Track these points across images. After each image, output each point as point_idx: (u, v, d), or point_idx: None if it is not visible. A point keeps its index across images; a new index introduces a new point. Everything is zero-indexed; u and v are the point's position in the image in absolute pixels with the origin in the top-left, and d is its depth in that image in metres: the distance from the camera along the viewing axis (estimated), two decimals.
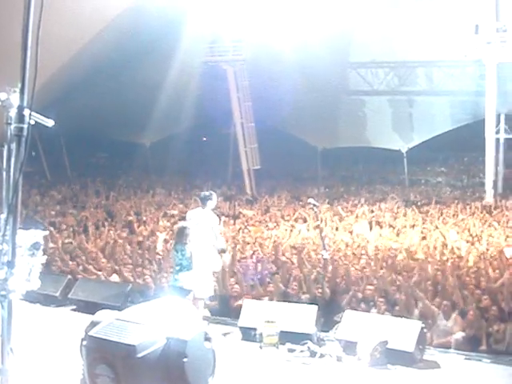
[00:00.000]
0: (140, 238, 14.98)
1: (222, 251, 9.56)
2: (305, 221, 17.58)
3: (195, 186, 23.24)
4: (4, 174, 3.11)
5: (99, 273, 12.21)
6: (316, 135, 24.54)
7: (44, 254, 3.11)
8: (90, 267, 12.49)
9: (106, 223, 17.13)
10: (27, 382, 3.17)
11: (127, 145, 24.57)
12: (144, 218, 17.53)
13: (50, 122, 3.37)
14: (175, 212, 18.74)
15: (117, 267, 12.29)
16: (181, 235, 9.08)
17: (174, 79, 21.20)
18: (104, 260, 12.91)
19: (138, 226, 16.48)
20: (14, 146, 3.09)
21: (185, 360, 3.69)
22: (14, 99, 3.06)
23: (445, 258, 12.94)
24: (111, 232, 15.84)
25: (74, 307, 10.39)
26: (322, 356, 8.02)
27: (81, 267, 12.45)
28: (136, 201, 20.50)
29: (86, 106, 21.32)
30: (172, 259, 9.32)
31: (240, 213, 19.40)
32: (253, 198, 21.61)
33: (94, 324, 3.94)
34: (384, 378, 7.28)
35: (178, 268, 9.02)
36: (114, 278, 11.93)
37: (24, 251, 3.11)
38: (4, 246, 2.94)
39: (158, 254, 13.23)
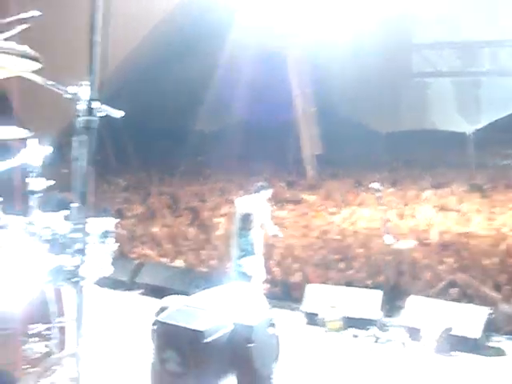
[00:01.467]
0: (203, 224, 15.20)
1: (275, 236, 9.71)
2: (367, 206, 17.44)
3: (257, 172, 23.31)
4: (74, 164, 3.25)
5: (164, 259, 12.50)
6: (379, 119, 24.20)
7: (115, 241, 3.24)
8: (156, 252, 12.80)
9: (170, 209, 17.44)
10: (100, 365, 3.32)
11: (187, 132, 24.82)
12: (207, 204, 17.75)
13: (119, 114, 3.49)
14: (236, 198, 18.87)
15: (180, 253, 12.56)
16: (246, 221, 9.22)
17: (234, 67, 21.30)
18: (169, 245, 13.19)
19: (202, 212, 16.71)
20: (83, 137, 3.22)
21: (251, 345, 3.78)
22: (83, 92, 3.18)
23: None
24: (175, 218, 16.14)
25: (142, 291, 10.72)
26: (386, 342, 8.03)
27: (148, 252, 12.77)
28: (199, 187, 20.77)
29: (148, 97, 21.68)
30: (235, 245, 9.46)
31: (302, 198, 19.38)
32: (315, 183, 21.54)
33: (162, 309, 4.08)
34: (449, 364, 7.24)
35: (242, 254, 9.15)
36: (179, 263, 12.20)
37: (96, 239, 3.25)
38: (77, 234, 3.08)
39: (221, 239, 13.39)
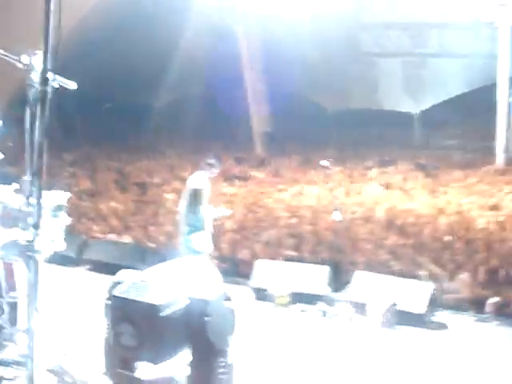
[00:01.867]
0: (152, 200, 15.08)
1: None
2: (315, 183, 17.61)
3: (206, 148, 23.18)
4: (26, 136, 3.17)
5: (111, 234, 12.38)
6: (327, 97, 24.32)
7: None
8: (103, 228, 12.66)
9: (117, 185, 17.23)
10: (53, 340, 3.29)
11: (138, 106, 24.47)
12: (156, 180, 17.61)
13: (72, 85, 3.41)
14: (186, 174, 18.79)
15: (128, 229, 12.46)
16: (195, 197, 9.19)
17: (186, 40, 21.06)
18: (116, 221, 13.06)
19: (151, 188, 16.58)
20: (36, 108, 3.14)
21: (207, 319, 3.81)
22: (36, 62, 3.10)
23: (454, 220, 12.97)
24: (123, 193, 15.97)
25: (89, 267, 10.60)
26: (333, 316, 8.19)
27: (94, 228, 12.61)
28: (148, 163, 20.55)
29: (99, 67, 21.22)
30: (184, 221, 9.45)
31: (251, 175, 19.42)
32: (263, 160, 21.59)
33: (116, 284, 4.05)
34: (394, 338, 7.43)
35: (191, 229, 9.15)
36: (126, 239, 12.11)
37: (48, 213, 3.19)
38: (29, 208, 3.02)
39: (169, 215, 13.32)
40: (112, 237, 12.20)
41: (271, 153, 22.06)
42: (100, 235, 12.32)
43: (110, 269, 9.98)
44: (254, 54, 21.69)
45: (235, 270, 10.35)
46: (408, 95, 23.91)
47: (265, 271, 9.16)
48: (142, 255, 10.46)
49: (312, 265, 9.44)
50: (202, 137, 23.85)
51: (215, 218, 9.57)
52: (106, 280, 9.39)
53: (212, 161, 10.00)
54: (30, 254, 2.82)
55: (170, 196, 15.48)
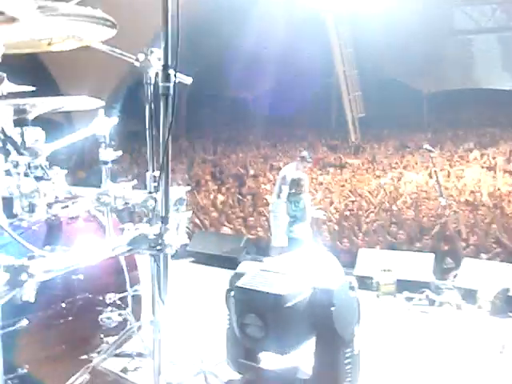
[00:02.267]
0: (249, 191, 15.22)
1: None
2: (413, 168, 17.24)
3: (299, 136, 23.20)
4: (147, 132, 3.28)
5: (211, 229, 12.55)
6: (421, 79, 23.76)
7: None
8: (204, 221, 12.87)
9: (213, 178, 17.51)
10: (177, 332, 3.37)
11: (229, 99, 24.79)
12: (252, 172, 17.75)
13: (189, 80, 3.49)
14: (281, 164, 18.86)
15: (227, 221, 12.61)
16: (296, 186, 9.20)
17: (273, 30, 21.06)
18: (215, 214, 13.25)
19: (247, 179, 16.74)
20: (153, 106, 3.23)
21: (332, 309, 3.80)
22: (153, 60, 3.18)
23: None
24: (219, 186, 16.20)
25: (193, 259, 10.81)
26: (440, 304, 7.98)
27: (195, 221, 12.83)
28: (242, 154, 20.77)
29: (190, 64, 21.64)
30: (285, 211, 9.49)
31: (346, 162, 19.24)
32: (358, 146, 21.35)
33: (238, 275, 4.10)
34: (505, 326, 7.16)
35: (292, 220, 9.18)
36: (226, 230, 12.26)
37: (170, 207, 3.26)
38: (152, 202, 3.11)
39: (267, 205, 13.41)
40: (212, 229, 12.40)
41: (366, 139, 21.80)
42: (201, 228, 12.54)
43: (213, 261, 10.25)
44: (344, 39, 21.43)
45: (337, 259, 10.28)
46: (506, 71, 22.93)
47: (368, 259, 9.05)
48: (244, 246, 10.57)
49: (416, 252, 9.24)
50: (296, 126, 23.89)
51: (312, 217, 9.57)
52: (211, 271, 9.66)
53: (305, 153, 10.02)
54: (160, 248, 2.90)
55: (266, 187, 15.60)
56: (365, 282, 8.66)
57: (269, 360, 4.26)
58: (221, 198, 14.69)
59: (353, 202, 13.32)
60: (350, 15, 21.36)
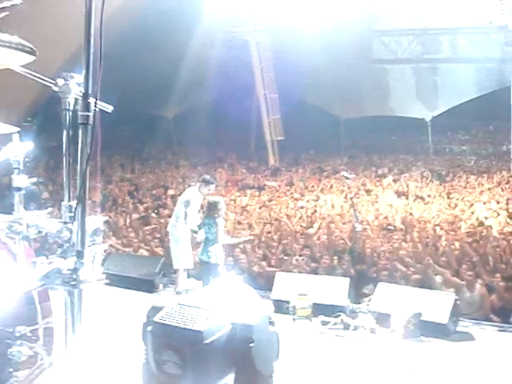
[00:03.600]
0: (167, 212, 15.04)
1: (193, 232, 9.66)
2: (330, 192, 17.58)
3: (219, 158, 23.26)
4: (64, 160, 3.17)
5: (127, 248, 12.33)
6: (339, 105, 24.36)
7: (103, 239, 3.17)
8: (119, 241, 12.62)
9: (131, 197, 17.25)
10: (90, 367, 3.24)
11: (150, 118, 24.56)
12: (171, 192, 17.60)
13: (109, 108, 3.41)
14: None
15: (144, 242, 12.41)
16: (213, 209, 9.19)
17: (196, 51, 21.08)
18: (132, 234, 13.03)
19: (165, 200, 16.58)
20: (71, 132, 3.14)
21: (251, 345, 3.75)
22: (72, 85, 3.09)
23: (470, 229, 12.89)
24: (138, 205, 15.97)
25: (107, 281, 10.51)
26: (355, 328, 8.11)
27: (110, 241, 12.54)
28: (160, 174, 20.59)
29: (108, 81, 21.31)
30: (200, 233, 9.50)
31: (265, 184, 19.42)
32: (276, 169, 21.61)
33: (156, 309, 4.00)
34: (418, 349, 7.35)
35: (207, 242, 9.17)
36: (142, 252, 12.07)
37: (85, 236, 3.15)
38: (67, 233, 3.00)
39: None
40: (128, 250, 12.16)
41: (284, 162, 22.07)
42: (117, 249, 12.28)
43: (128, 283, 10.03)
44: (266, 63, 21.75)
45: (253, 282, 10.29)
46: (420, 101, 23.85)
47: (285, 283, 9.10)
48: (162, 268, 10.40)
49: (332, 277, 9.39)
50: (216, 146, 23.92)
51: (238, 243, 9.61)
52: (127, 295, 9.44)
53: (207, 177, 10.03)
54: (74, 283, 2.80)
55: None
56: (281, 306, 8.70)
57: None
58: (137, 217, 14.46)
59: (271, 224, 13.42)
60: (272, 40, 21.69)
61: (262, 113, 22.27)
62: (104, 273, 8.91)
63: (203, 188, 9.72)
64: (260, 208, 15.72)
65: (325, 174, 20.54)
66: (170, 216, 14.52)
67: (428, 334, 7.76)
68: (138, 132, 23.97)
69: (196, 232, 9.56)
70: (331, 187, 18.20)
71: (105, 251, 11.59)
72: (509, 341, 7.89)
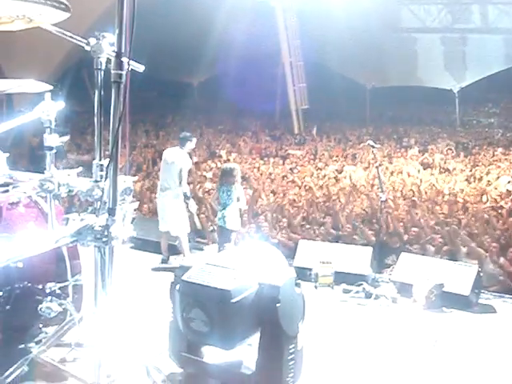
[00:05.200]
0: (190, 179, 15.08)
1: (186, 197, 9.28)
2: (354, 162, 17.50)
3: (243, 125, 23.20)
4: (95, 119, 3.19)
5: (150, 214, 12.42)
6: (365, 74, 24.06)
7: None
8: (145, 206, 12.73)
9: (156, 163, 17.29)
10: (119, 324, 3.29)
11: (175, 84, 24.49)
12: (195, 159, 17.62)
13: (141, 68, 3.42)
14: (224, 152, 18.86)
15: None
16: (228, 175, 9.22)
17: (223, 18, 20.93)
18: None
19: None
20: (102, 92, 3.15)
21: (278, 305, 3.80)
22: (104, 45, 3.10)
23: (495, 202, 12.78)
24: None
25: (132, 245, 10.63)
26: (377, 297, 8.14)
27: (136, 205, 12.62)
28: None
29: (136, 43, 21.25)
30: (217, 199, 9.55)
31: (288, 153, 19.36)
32: (301, 137, 21.50)
33: (183, 268, 4.04)
34: (439, 320, 7.36)
35: (222, 207, 9.23)
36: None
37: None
38: (98, 191, 3.04)
39: (208, 193, 13.36)
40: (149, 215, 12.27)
41: (309, 130, 21.95)
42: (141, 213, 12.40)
43: (152, 247, 10.13)
44: (292, 30, 21.48)
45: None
46: (448, 72, 23.45)
47: (308, 251, 9.14)
48: None
49: (354, 246, 9.41)
50: (240, 113, 23.85)
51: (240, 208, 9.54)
52: (152, 258, 9.54)
53: (187, 133, 9.76)
54: (106, 240, 2.83)
55: (207, 174, 15.56)
56: (304, 274, 8.74)
57: (212, 354, 4.24)
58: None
59: (294, 193, 13.43)
60: (299, 7, 21.41)
61: (287, 81, 22.08)
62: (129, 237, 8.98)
63: (188, 145, 9.37)
64: (283, 177, 15.70)
65: (350, 143, 20.42)
66: (191, 183, 14.64)
67: (450, 306, 7.76)
68: (162, 98, 23.95)
69: (189, 198, 9.29)
70: (355, 157, 18.10)
71: (134, 210, 11.68)
72: None
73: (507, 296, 8.42)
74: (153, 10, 19.52)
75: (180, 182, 9.16)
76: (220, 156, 18.62)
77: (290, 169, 16.99)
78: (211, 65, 23.55)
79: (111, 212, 2.85)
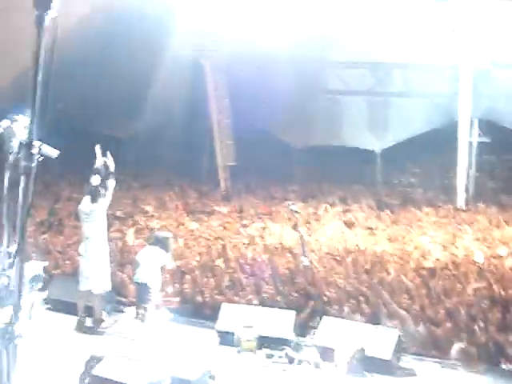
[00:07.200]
0: (115, 235, 14.80)
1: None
2: (279, 221, 17.59)
3: (169, 180, 23.08)
4: (4, 205, 3.03)
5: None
6: (291, 133, 24.46)
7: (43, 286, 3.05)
8: (65, 264, 12.37)
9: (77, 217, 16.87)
10: None
11: (103, 137, 24.15)
12: (118, 214, 17.32)
13: (55, 153, 3.30)
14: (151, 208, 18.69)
15: None
16: (161, 243, 9.26)
17: (152, 72, 21.02)
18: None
19: (113, 220, 16.30)
20: (9, 174, 3.03)
21: None
22: (17, 128, 2.98)
23: (417, 262, 13.05)
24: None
25: (49, 306, 10.22)
26: (299, 362, 8.11)
27: (54, 263, 12.27)
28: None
29: (60, 97, 21.01)
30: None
31: (214, 210, 19.33)
32: (227, 194, 21.54)
33: (94, 359, 3.87)
34: None
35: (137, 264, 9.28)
36: None
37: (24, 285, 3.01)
38: (4, 280, 2.84)
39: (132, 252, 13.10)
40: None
41: (235, 188, 22.00)
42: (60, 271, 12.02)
43: (72, 309, 9.74)
44: (221, 88, 21.74)
45: (198, 311, 10.16)
46: (371, 133, 24.18)
47: (231, 315, 9.04)
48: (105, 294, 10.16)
49: (278, 309, 9.37)
50: (167, 168, 23.72)
51: (163, 266, 9.53)
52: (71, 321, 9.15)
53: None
54: (8, 338, 2.65)
55: (128, 231, 15.35)
56: (226, 338, 8.64)
57: None
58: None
59: (218, 252, 13.32)
60: (228, 66, 21.75)
61: (214, 137, 22.22)
62: (47, 298, 8.64)
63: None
64: (209, 234, 15.62)
65: (275, 201, 20.58)
66: (116, 239, 14.35)
67: (372, 370, 7.81)
68: (88, 151, 23.50)
69: None
70: (280, 215, 18.20)
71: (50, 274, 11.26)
72: (450, 377, 8.00)
73: (427, 359, 8.56)
74: (79, 66, 19.48)
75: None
76: (146, 212, 18.41)
77: (218, 226, 16.94)
78: (139, 119, 23.43)
79: (16, 308, 2.66)
